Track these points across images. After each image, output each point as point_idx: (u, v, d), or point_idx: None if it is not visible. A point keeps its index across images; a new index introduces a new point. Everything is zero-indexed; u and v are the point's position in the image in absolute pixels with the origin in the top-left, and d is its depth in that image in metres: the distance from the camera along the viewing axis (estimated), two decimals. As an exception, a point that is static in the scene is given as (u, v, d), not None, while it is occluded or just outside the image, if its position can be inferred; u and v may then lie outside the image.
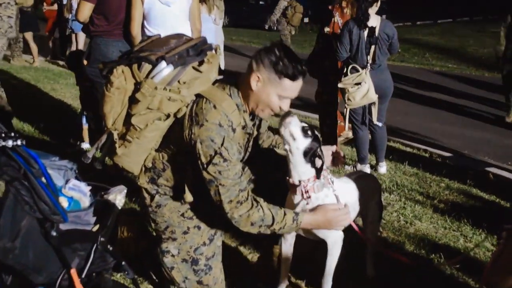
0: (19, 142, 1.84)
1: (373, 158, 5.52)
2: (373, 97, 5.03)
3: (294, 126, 2.66)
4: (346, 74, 5.04)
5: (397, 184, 5.00)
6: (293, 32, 12.62)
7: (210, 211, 2.88)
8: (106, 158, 2.92)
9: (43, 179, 1.93)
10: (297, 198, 2.76)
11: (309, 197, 2.72)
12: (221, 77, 2.80)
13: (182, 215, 2.85)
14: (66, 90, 8.57)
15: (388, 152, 5.69)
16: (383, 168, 5.40)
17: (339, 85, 5.06)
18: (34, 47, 11.59)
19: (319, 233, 2.80)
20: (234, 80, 2.74)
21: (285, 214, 2.64)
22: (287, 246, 2.94)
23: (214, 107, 2.58)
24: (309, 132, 2.67)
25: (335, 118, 5.83)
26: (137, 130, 2.65)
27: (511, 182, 5.30)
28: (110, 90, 2.64)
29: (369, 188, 3.15)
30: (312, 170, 2.69)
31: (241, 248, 3.49)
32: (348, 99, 5.02)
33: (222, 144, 2.54)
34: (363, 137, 5.30)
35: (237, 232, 3.05)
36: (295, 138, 2.65)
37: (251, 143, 2.90)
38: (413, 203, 4.53)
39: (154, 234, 3.03)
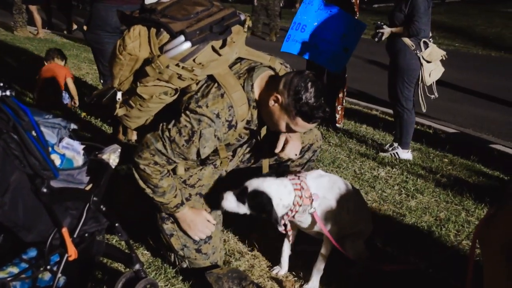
0: (8, 93, 1.75)
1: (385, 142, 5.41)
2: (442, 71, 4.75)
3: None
4: (418, 49, 4.60)
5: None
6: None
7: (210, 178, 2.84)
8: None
9: (33, 133, 1.86)
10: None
11: (290, 230, 2.77)
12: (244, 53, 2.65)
13: (184, 182, 2.80)
14: (69, 61, 8.46)
15: (391, 128, 5.62)
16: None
17: (432, 62, 4.60)
18: (38, 19, 11.50)
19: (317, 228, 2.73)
20: (253, 70, 2.60)
21: (175, 197, 2.63)
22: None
23: (222, 95, 2.48)
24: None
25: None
26: (141, 100, 2.55)
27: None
28: (122, 52, 2.46)
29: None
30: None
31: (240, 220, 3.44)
32: (429, 76, 4.64)
33: (203, 129, 2.45)
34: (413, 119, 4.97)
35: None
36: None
37: (256, 143, 2.83)
38: (415, 177, 4.47)
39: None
